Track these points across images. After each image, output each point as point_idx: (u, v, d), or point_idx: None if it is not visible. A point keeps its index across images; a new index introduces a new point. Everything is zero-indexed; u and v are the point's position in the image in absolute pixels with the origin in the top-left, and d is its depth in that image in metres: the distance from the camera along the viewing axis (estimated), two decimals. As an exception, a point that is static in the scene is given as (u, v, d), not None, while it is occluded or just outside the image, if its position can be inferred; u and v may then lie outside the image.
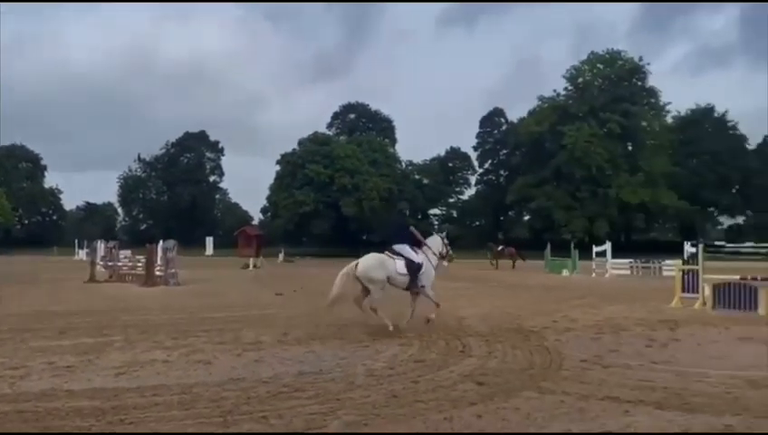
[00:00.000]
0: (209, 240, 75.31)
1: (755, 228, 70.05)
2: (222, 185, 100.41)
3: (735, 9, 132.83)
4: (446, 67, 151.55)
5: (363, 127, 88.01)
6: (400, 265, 9.84)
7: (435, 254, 10.56)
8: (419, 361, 7.44)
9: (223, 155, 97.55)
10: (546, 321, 11.23)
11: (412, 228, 10.63)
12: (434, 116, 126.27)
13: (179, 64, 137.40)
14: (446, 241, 11.01)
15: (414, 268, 9.93)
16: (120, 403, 5.42)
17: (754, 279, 13.65)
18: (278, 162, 77.62)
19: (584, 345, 8.65)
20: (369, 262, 9.96)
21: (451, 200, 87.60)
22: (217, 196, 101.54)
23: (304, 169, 72.69)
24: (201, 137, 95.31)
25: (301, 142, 77.72)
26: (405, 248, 10.06)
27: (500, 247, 39.42)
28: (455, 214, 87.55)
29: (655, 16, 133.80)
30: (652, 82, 71.45)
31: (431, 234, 11.13)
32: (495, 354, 7.88)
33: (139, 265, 23.33)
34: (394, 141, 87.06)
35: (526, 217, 77.03)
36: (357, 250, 70.78)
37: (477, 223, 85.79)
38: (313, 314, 12.06)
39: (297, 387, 6.06)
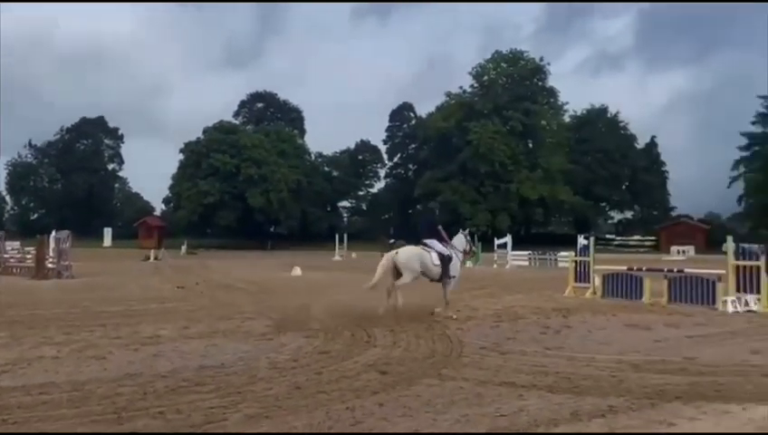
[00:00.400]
0: (107, 231, 71.83)
1: (642, 222, 75.19)
2: (121, 174, 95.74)
3: (630, 16, 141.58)
4: (359, 60, 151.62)
5: (271, 117, 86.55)
6: (435, 257, 10.83)
7: (459, 250, 11.63)
8: (324, 352, 7.46)
9: (122, 142, 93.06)
10: (449, 311, 11.52)
11: (440, 227, 11.52)
12: (345, 108, 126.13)
13: (77, 46, 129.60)
14: (468, 238, 12.14)
15: (446, 260, 10.96)
16: (3, 403, 5.09)
17: (640, 270, 14.63)
18: (182, 151, 74.98)
19: (484, 333, 8.97)
20: (410, 252, 10.96)
21: (361, 193, 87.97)
22: (116, 185, 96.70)
23: (209, 158, 70.62)
24: (99, 123, 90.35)
25: (206, 131, 75.40)
26: (435, 243, 11.09)
27: (391, 241, 39.22)
28: (364, 207, 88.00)
29: (557, 20, 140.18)
30: (552, 82, 74.86)
31: (456, 233, 12.13)
32: (400, 344, 8.02)
33: (29, 256, 21.93)
34: (303, 132, 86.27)
35: (433, 211, 78.53)
36: (264, 242, 69.51)
37: (386, 216, 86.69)
38: (216, 307, 11.80)
39: (197, 381, 5.92)
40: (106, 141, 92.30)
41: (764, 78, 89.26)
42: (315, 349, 7.67)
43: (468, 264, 31.10)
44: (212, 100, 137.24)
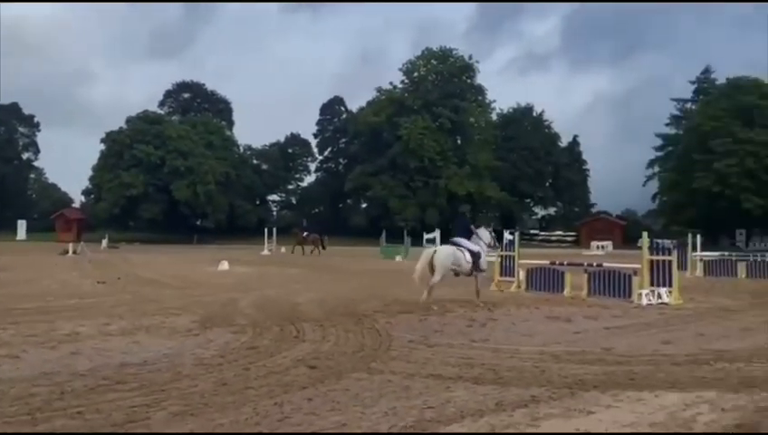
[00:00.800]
0: (21, 223, 68.14)
1: (564, 218, 78.04)
2: (37, 163, 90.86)
3: (557, 18, 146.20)
4: (290, 53, 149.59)
5: (198, 107, 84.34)
6: (467, 255, 11.99)
7: (485, 244, 12.85)
8: (252, 347, 7.35)
9: (39, 131, 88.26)
10: (378, 305, 11.61)
11: (472, 227, 12.97)
12: (275, 101, 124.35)
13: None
14: (492, 233, 13.37)
15: (476, 256, 12.17)
16: None
17: (561, 264, 15.20)
18: (103, 141, 71.92)
19: (412, 327, 9.08)
20: (446, 252, 12.13)
21: (290, 187, 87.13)
22: (32, 175, 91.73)
23: (132, 149, 68.12)
24: (12, 109, 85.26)
25: (129, 121, 72.65)
26: (465, 241, 12.29)
27: (305, 234, 38.86)
28: (294, 201, 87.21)
29: (488, 19, 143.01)
30: (482, 80, 76.40)
31: (480, 226, 13.44)
32: (329, 338, 8.01)
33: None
34: (231, 124, 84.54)
35: (364, 205, 78.81)
36: (190, 236, 67.53)
37: (316, 210, 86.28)
38: (138, 303, 11.41)
39: (118, 379, 5.71)
40: (20, 129, 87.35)
41: (680, 81, 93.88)
42: (243, 344, 7.55)
43: (398, 258, 31.43)
44: (137, 89, 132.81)
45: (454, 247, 12.23)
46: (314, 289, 14.94)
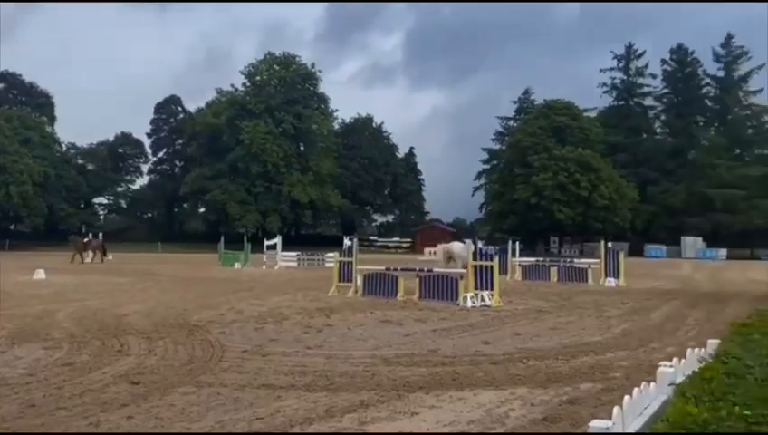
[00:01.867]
0: None
1: (401, 225, 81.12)
2: None
3: (401, 34, 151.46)
4: (129, 49, 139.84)
5: (14, 100, 76.08)
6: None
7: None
8: (67, 364, 6.78)
9: None
10: (213, 314, 11.25)
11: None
12: (106, 97, 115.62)
13: None
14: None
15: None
16: None
17: (396, 269, 15.76)
18: None
19: (247, 336, 8.91)
20: (461, 245, 16.57)
21: (120, 189, 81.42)
22: None
23: (-70, 142, 59.74)
24: None
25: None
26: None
27: (86, 240, 36.49)
28: (124, 204, 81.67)
29: (337, 29, 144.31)
30: (328, 90, 77.09)
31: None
32: (156, 352, 7.60)
33: None
34: (53, 120, 77.26)
35: (201, 210, 75.90)
36: (2, 241, 60.34)
37: (149, 214, 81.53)
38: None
39: None
40: None
41: (506, 100, 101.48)
42: (57, 361, 6.93)
43: (237, 265, 30.66)
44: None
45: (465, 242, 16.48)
46: (143, 299, 14.11)
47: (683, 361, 4.49)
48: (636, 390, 3.52)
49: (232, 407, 5.17)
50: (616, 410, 3.12)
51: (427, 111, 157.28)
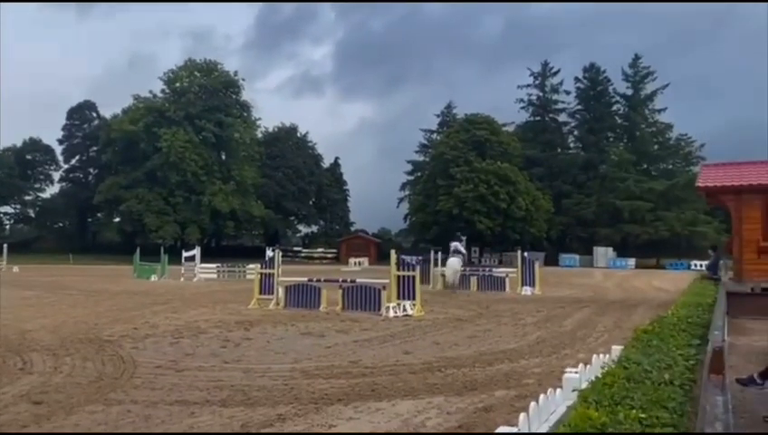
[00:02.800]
0: None
1: (326, 235, 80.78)
2: None
3: (331, 45, 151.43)
4: (45, 51, 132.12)
5: None
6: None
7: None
8: (-38, 385, 6.34)
9: None
10: (126, 329, 10.82)
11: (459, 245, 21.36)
12: (14, 101, 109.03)
13: None
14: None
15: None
16: None
17: (319, 280, 15.68)
18: None
19: (162, 351, 8.63)
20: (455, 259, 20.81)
21: (28, 198, 76.96)
22: None
23: None
24: None
25: None
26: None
27: None
28: (32, 213, 77.24)
29: (267, 38, 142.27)
30: (259, 98, 76.13)
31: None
32: (62, 369, 7.24)
33: None
34: (-48, 123, 72.27)
35: (116, 220, 72.82)
36: None
37: (60, 224, 77.48)
38: None
39: None
40: None
41: (431, 113, 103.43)
42: (-50, 383, 6.47)
43: (153, 277, 29.60)
44: None
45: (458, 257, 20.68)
46: (50, 313, 13.38)
47: (588, 367, 4.71)
48: (542, 396, 3.66)
49: (143, 424, 5.00)
50: (522, 416, 3.24)
51: (354, 122, 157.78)
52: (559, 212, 63.53)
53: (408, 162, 79.21)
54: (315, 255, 68.84)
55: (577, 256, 58.55)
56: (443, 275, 21.43)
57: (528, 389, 6.40)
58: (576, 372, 4.27)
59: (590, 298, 19.19)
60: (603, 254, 58.35)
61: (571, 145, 73.32)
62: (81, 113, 78.44)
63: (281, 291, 15.37)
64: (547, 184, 65.37)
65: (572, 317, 13.54)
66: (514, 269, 22.46)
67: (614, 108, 70.10)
